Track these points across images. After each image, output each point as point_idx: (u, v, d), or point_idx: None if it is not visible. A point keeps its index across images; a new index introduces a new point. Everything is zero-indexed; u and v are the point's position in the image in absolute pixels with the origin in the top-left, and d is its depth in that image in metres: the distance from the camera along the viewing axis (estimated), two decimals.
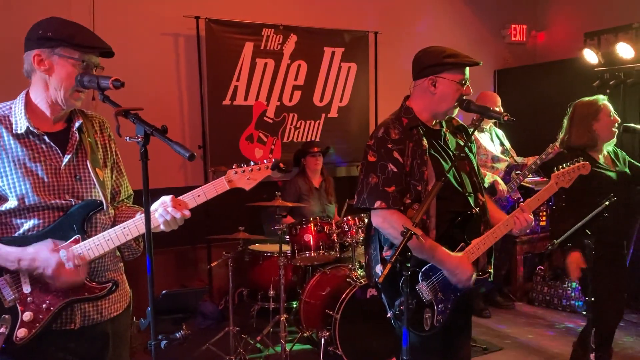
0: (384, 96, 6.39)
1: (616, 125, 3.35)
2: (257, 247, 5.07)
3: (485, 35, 7.20)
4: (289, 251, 4.60)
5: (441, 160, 2.50)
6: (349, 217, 4.58)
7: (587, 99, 3.45)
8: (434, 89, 2.50)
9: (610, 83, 5.54)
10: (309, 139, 5.96)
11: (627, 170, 3.38)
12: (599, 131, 3.35)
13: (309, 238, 4.53)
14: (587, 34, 5.88)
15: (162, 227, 1.96)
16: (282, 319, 4.29)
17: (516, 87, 7.01)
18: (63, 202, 1.96)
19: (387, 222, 2.42)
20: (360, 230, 4.51)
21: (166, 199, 1.95)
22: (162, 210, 1.92)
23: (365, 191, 2.46)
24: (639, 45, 5.41)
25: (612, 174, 3.28)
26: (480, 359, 4.46)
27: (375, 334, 4.08)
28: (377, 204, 2.42)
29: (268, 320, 4.61)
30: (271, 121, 5.83)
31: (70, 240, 1.94)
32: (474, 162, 2.66)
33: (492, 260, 2.63)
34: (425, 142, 2.49)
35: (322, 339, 4.16)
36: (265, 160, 2.05)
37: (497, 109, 2.67)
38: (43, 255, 1.87)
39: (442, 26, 6.81)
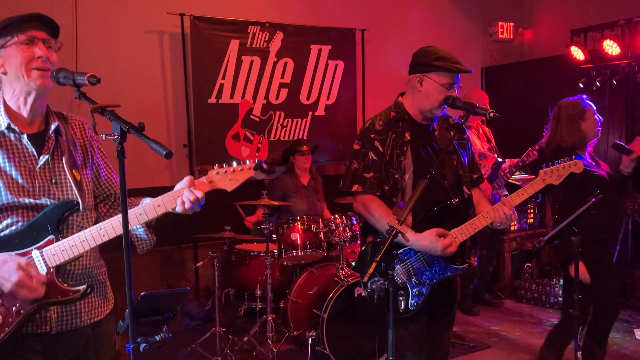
0: (371, 94, 6.37)
1: (599, 124, 3.38)
2: (243, 246, 5.03)
3: (473, 33, 7.20)
4: (276, 250, 4.56)
5: (423, 153, 2.62)
6: (337, 216, 4.55)
7: (571, 99, 3.47)
8: (420, 87, 2.61)
9: (597, 80, 5.56)
10: (296, 137, 5.93)
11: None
12: (586, 130, 3.38)
13: (296, 237, 4.50)
14: (573, 31, 5.89)
15: (179, 209, 1.94)
16: (269, 318, 4.26)
17: (503, 85, 7.02)
18: (39, 202, 1.90)
19: (362, 205, 2.61)
20: (347, 228, 4.49)
21: (186, 180, 1.96)
22: (188, 192, 1.92)
23: (348, 176, 2.66)
24: (625, 42, 5.43)
25: (602, 173, 3.29)
26: (468, 357, 4.45)
27: (363, 333, 4.05)
28: (354, 187, 2.62)
29: (255, 320, 4.58)
30: (258, 119, 5.78)
31: (44, 241, 1.88)
32: (466, 158, 2.73)
33: (471, 252, 2.68)
34: (408, 134, 2.63)
35: (310, 339, 4.13)
36: (248, 161, 2.00)
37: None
38: (5, 270, 1.80)
39: (429, 24, 6.79)
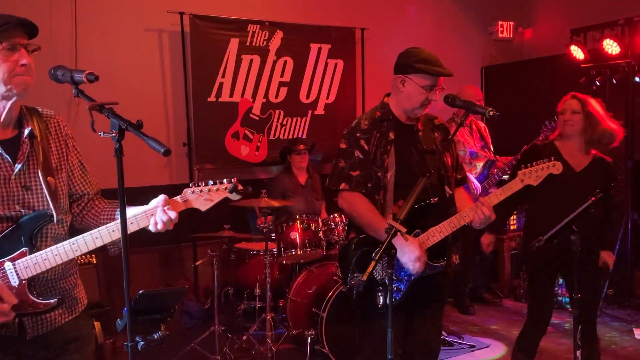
0: (371, 93, 6.36)
1: (570, 122, 3.37)
2: (242, 245, 5.02)
3: (472, 32, 7.19)
4: (275, 249, 4.56)
5: (406, 152, 2.67)
6: (336, 215, 4.55)
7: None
8: (402, 88, 2.67)
9: (597, 79, 5.55)
10: (295, 136, 5.92)
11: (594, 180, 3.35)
12: (560, 125, 3.47)
13: (295, 236, 4.49)
14: (573, 30, 5.88)
15: (152, 228, 1.93)
16: (268, 317, 4.25)
17: (503, 84, 7.01)
18: (12, 212, 1.88)
19: (347, 202, 2.67)
20: (347, 227, 4.48)
21: (160, 200, 1.93)
22: (161, 212, 1.90)
23: (335, 174, 2.72)
24: (624, 41, 5.42)
25: (568, 172, 3.26)
26: (467, 356, 4.45)
27: None
28: (342, 185, 2.68)
29: (254, 319, 4.57)
30: (257, 118, 5.78)
31: (16, 253, 1.87)
32: (450, 159, 2.78)
33: (452, 249, 2.73)
34: (392, 134, 2.68)
35: (309, 338, 4.13)
36: (225, 180, 1.98)
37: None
38: None
39: (429, 23, 6.78)
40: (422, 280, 2.59)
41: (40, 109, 2.06)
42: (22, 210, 1.89)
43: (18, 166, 1.90)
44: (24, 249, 1.87)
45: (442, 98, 2.65)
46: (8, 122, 1.94)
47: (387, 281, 2.50)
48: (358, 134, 2.68)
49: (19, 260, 1.86)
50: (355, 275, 2.52)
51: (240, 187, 1.96)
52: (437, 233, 2.56)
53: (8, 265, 1.85)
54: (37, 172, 1.93)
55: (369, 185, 2.65)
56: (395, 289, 2.57)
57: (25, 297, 1.86)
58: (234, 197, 1.97)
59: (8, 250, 1.86)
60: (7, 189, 1.89)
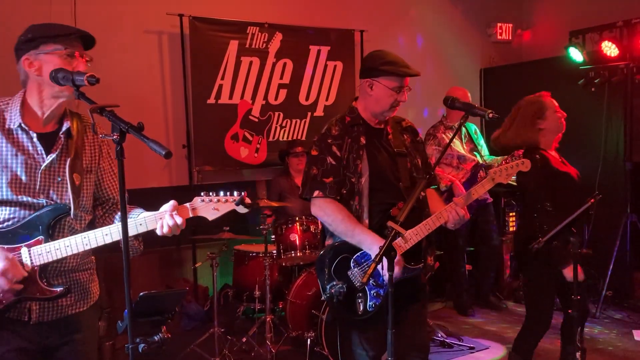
0: None
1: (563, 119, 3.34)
2: (242, 247, 5.03)
3: (471, 34, 7.20)
4: (275, 251, 4.56)
5: (378, 156, 2.68)
6: None
7: (531, 96, 3.44)
8: (370, 91, 2.68)
9: (595, 81, 5.56)
10: (294, 138, 5.92)
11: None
12: (546, 128, 3.34)
13: (295, 238, 4.50)
14: (572, 32, 5.89)
15: (158, 232, 2.01)
16: (267, 319, 4.26)
17: (502, 86, 7.01)
18: (36, 201, 1.99)
19: (322, 210, 2.63)
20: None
21: (170, 205, 2.01)
22: (168, 217, 1.98)
23: (307, 182, 2.67)
24: (623, 43, 5.43)
25: (568, 171, 3.29)
26: (466, 358, 4.45)
27: None
28: (315, 193, 2.64)
29: (254, 320, 4.57)
30: (256, 120, 5.78)
31: (33, 240, 1.98)
32: (419, 160, 2.79)
33: (428, 251, 2.70)
34: (363, 138, 2.69)
35: (308, 340, 4.13)
36: (235, 192, 2.05)
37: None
38: None
39: (428, 25, 6.79)
40: (400, 283, 2.55)
41: (81, 114, 2.18)
42: (45, 201, 2.00)
43: (49, 158, 2.02)
44: (40, 237, 1.98)
45: (445, 101, 2.63)
46: (50, 119, 2.06)
47: (366, 284, 2.52)
48: (329, 140, 2.67)
49: (34, 247, 1.98)
50: (334, 283, 2.52)
51: (247, 200, 2.02)
52: (414, 235, 2.54)
53: (24, 250, 1.97)
54: (65, 167, 2.04)
55: (344, 191, 2.64)
56: (375, 294, 2.56)
57: (35, 282, 1.97)
58: (241, 209, 2.03)
59: (26, 237, 1.98)
60: (34, 178, 2.00)
